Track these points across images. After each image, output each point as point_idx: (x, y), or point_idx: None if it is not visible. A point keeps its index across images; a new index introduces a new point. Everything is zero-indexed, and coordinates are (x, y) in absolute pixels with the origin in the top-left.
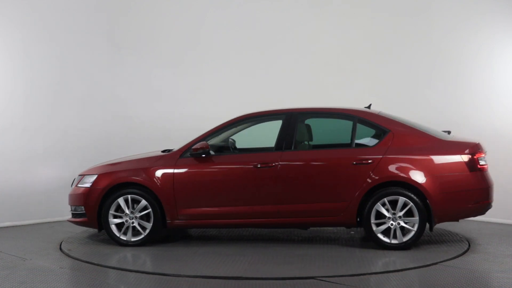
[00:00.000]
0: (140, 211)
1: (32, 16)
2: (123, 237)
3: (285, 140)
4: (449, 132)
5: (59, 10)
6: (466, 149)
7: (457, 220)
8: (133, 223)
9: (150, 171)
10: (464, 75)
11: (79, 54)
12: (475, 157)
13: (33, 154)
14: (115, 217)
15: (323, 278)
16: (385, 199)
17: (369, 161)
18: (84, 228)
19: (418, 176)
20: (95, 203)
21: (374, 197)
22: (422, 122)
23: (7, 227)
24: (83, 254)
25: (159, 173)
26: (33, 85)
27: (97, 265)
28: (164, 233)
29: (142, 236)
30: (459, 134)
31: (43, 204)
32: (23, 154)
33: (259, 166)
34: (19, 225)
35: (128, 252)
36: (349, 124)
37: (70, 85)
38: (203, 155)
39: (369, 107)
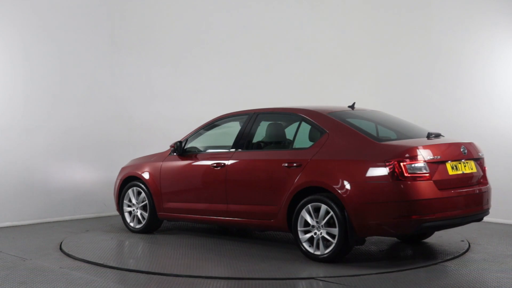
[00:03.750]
0: (142, 202)
1: (32, 16)
2: (131, 224)
3: (239, 140)
4: (438, 135)
5: (59, 10)
6: (392, 155)
7: (401, 237)
8: (137, 212)
9: (147, 167)
10: (464, 75)
11: (79, 54)
12: (402, 164)
13: (33, 154)
14: (128, 206)
15: (323, 278)
16: (309, 206)
17: (296, 164)
18: (84, 228)
19: (338, 183)
20: (116, 193)
21: (300, 203)
22: (422, 122)
23: (7, 227)
24: (83, 254)
25: (152, 168)
26: (33, 85)
27: (97, 265)
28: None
29: (141, 225)
30: (455, 135)
31: (43, 204)
32: (23, 154)
33: (223, 165)
34: (19, 225)
35: (128, 252)
36: (306, 124)
37: (70, 85)
38: (175, 153)
39: (352, 106)
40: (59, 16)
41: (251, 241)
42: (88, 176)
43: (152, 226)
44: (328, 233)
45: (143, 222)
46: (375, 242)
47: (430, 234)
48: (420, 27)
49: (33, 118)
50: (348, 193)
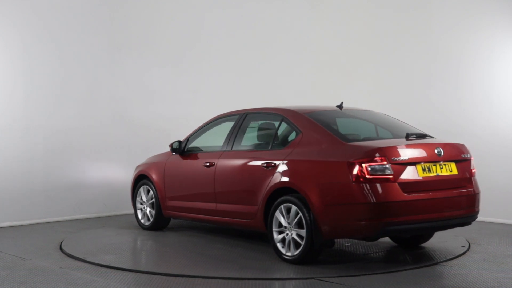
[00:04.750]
0: (151, 200)
1: (32, 16)
2: (142, 221)
3: (229, 140)
4: (422, 136)
5: (59, 10)
6: (355, 156)
7: (371, 240)
8: (147, 210)
9: (154, 165)
10: (464, 75)
11: (79, 54)
12: (364, 165)
13: (33, 154)
14: (141, 203)
15: (323, 278)
16: (282, 207)
17: (272, 164)
18: (84, 228)
19: (306, 184)
20: (131, 191)
21: (274, 203)
22: (421, 121)
23: (7, 227)
24: (83, 254)
25: (158, 167)
26: (33, 85)
27: (97, 265)
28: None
29: (149, 222)
30: (454, 135)
31: (43, 204)
32: (23, 153)
33: (213, 164)
34: (19, 225)
35: (129, 252)
36: (284, 124)
37: (70, 85)
38: (174, 153)
39: (340, 105)
40: (59, 16)
41: (256, 241)
42: (88, 176)
43: (160, 224)
44: (297, 235)
45: (151, 220)
46: (371, 245)
47: (428, 238)
48: (420, 27)
49: (33, 118)
50: (314, 194)
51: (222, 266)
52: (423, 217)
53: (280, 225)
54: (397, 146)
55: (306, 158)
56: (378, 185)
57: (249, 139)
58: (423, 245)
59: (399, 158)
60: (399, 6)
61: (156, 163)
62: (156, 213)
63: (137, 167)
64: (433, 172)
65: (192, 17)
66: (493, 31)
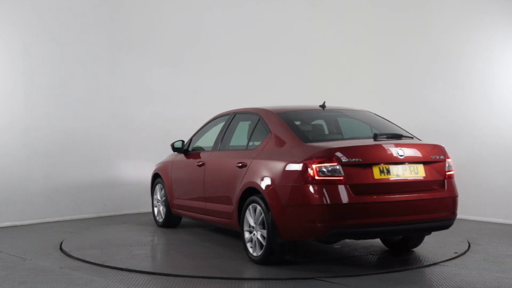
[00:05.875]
0: (164, 198)
1: (32, 16)
2: (157, 218)
3: (218, 139)
4: (396, 136)
5: (59, 10)
6: (306, 157)
7: (326, 242)
8: (160, 208)
9: (165, 165)
10: (464, 75)
11: (79, 54)
12: (314, 166)
13: (33, 154)
14: (157, 201)
15: (323, 278)
16: (250, 207)
17: (245, 164)
18: (84, 228)
19: (265, 184)
20: (150, 189)
21: (244, 203)
22: (421, 121)
23: (7, 227)
24: (83, 254)
25: (167, 166)
26: (33, 85)
27: (97, 265)
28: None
29: (161, 220)
30: (453, 135)
31: (43, 204)
32: (23, 153)
33: (204, 163)
34: (19, 225)
35: (129, 252)
36: (260, 124)
37: (70, 85)
38: (175, 152)
39: (323, 105)
40: (59, 16)
41: None
42: (88, 176)
43: (171, 221)
44: (261, 235)
45: (163, 217)
46: (370, 246)
47: (418, 242)
48: (420, 27)
49: (33, 117)
50: (272, 195)
51: (189, 264)
52: (378, 220)
53: (250, 225)
54: (351, 147)
55: (268, 158)
56: (327, 187)
57: (234, 139)
58: (422, 244)
59: (352, 159)
60: (399, 6)
61: (166, 162)
62: (166, 211)
63: (156, 165)
64: (393, 174)
65: (192, 17)
66: (493, 31)
